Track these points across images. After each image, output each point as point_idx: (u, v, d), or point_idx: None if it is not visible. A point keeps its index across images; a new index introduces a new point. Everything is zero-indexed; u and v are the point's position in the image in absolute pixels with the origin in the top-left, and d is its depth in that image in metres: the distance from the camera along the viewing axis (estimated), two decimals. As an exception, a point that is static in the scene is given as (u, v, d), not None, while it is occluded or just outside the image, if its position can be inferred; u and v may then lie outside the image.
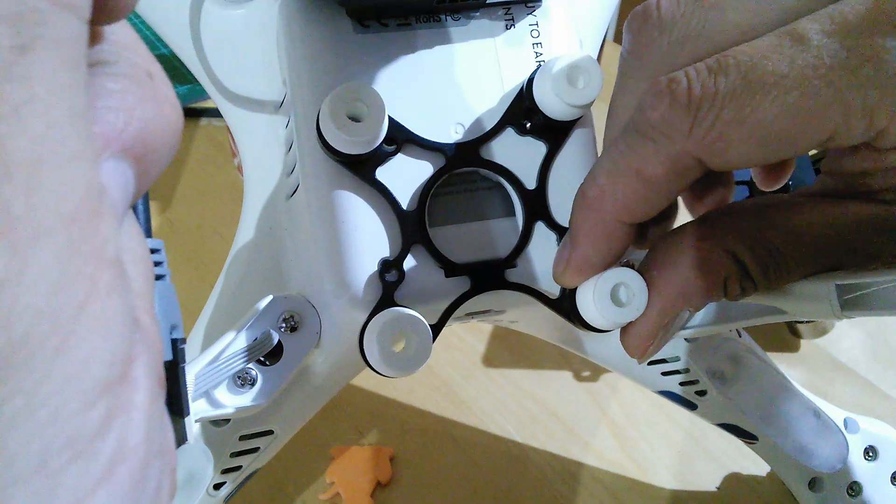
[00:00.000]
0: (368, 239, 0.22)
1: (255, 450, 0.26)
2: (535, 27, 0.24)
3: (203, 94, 0.61)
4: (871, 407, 0.41)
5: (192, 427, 0.17)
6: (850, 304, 0.20)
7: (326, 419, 0.39)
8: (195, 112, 0.59)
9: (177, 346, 0.15)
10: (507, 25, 0.24)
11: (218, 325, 0.26)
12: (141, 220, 0.15)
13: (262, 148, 0.26)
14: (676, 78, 0.18)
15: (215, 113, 0.59)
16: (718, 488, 0.37)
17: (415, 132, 0.23)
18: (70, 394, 0.08)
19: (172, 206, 0.51)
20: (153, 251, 0.15)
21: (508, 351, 0.43)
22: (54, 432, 0.08)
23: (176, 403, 0.13)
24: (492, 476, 0.37)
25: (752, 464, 0.37)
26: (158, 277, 0.15)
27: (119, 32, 0.11)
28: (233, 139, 0.50)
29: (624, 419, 0.40)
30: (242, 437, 0.26)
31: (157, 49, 0.67)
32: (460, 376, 0.41)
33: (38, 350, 0.08)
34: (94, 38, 0.11)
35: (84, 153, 0.09)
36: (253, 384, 0.23)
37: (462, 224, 0.23)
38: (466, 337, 0.43)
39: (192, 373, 0.21)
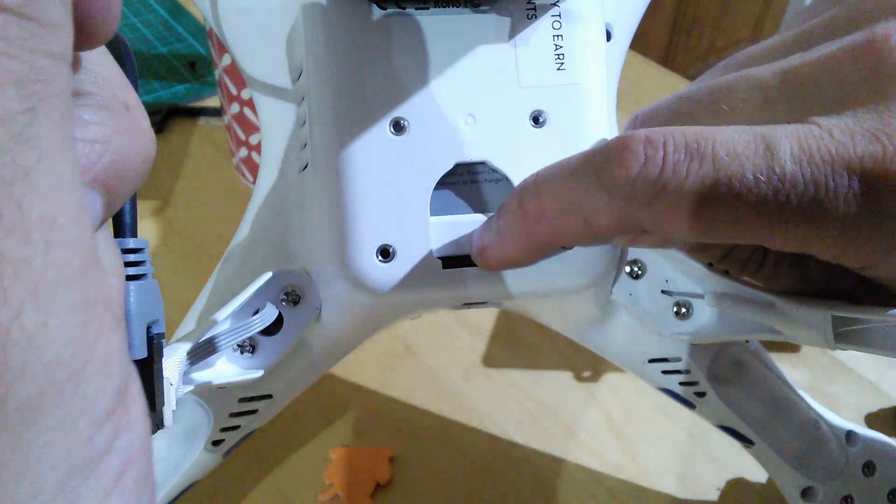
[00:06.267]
0: (373, 218, 0.22)
1: (254, 412, 0.27)
2: (557, 18, 0.23)
3: (201, 94, 0.61)
4: (872, 407, 0.41)
5: (170, 415, 0.18)
6: (844, 336, 0.20)
7: (326, 420, 0.39)
8: (193, 111, 0.59)
9: (153, 343, 0.15)
10: (528, 15, 0.23)
11: (221, 297, 0.26)
12: (127, 220, 0.15)
13: (283, 119, 0.26)
14: (655, 142, 0.18)
15: (214, 112, 0.59)
16: (720, 490, 0.37)
17: (426, 121, 0.22)
18: (84, 424, 0.09)
19: (170, 206, 0.51)
20: (136, 250, 0.15)
21: (508, 351, 0.43)
22: (73, 458, 0.09)
23: (149, 399, 0.14)
24: (491, 477, 0.37)
25: (754, 466, 0.37)
26: (140, 276, 0.15)
27: (98, 62, 0.12)
28: (232, 138, 0.49)
29: (624, 420, 0.39)
30: (242, 399, 0.26)
31: (155, 49, 0.67)
32: (460, 377, 0.41)
33: (60, 393, 0.09)
34: (73, 64, 0.11)
35: (84, 203, 0.10)
36: (252, 355, 0.24)
37: (465, 215, 0.23)
38: (466, 337, 0.43)
39: (191, 344, 0.21)
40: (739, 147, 0.18)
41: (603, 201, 0.18)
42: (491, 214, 0.23)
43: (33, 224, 0.08)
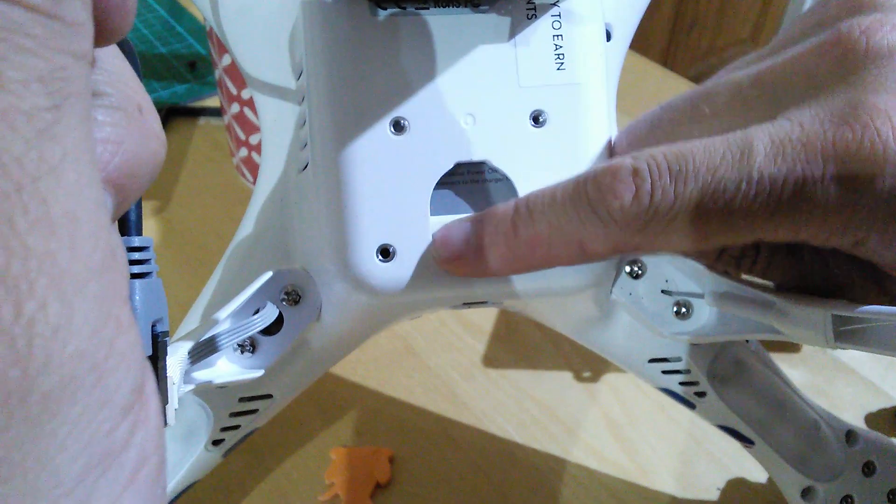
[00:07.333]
0: (373, 218, 0.22)
1: (254, 411, 0.27)
2: (557, 18, 0.23)
3: (201, 94, 0.61)
4: (872, 407, 0.41)
5: (172, 414, 0.18)
6: (844, 335, 0.20)
7: (326, 420, 0.39)
8: (194, 111, 0.59)
9: (157, 341, 0.16)
10: (528, 15, 0.23)
11: (221, 297, 0.26)
12: (132, 218, 0.15)
13: (283, 118, 0.26)
14: (641, 171, 0.19)
15: (214, 112, 0.59)
16: (720, 490, 0.37)
17: (426, 120, 0.22)
18: (103, 418, 0.10)
19: (171, 206, 0.51)
20: (141, 248, 0.15)
21: (508, 351, 0.43)
22: (91, 452, 0.09)
23: None
24: (491, 477, 0.37)
25: (754, 466, 0.37)
26: (144, 275, 0.15)
27: (112, 63, 0.12)
28: (232, 138, 0.49)
29: (624, 420, 0.39)
30: (242, 399, 0.26)
31: (155, 49, 0.67)
32: (460, 377, 0.41)
33: (81, 386, 0.09)
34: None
35: (102, 200, 0.10)
36: (252, 354, 0.24)
37: (465, 215, 0.23)
38: (466, 337, 0.43)
39: (193, 343, 0.21)
40: (717, 159, 0.18)
41: (599, 230, 0.19)
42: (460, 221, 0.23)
43: (58, 219, 0.09)
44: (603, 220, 0.19)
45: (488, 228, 0.21)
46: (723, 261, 0.23)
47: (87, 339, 0.09)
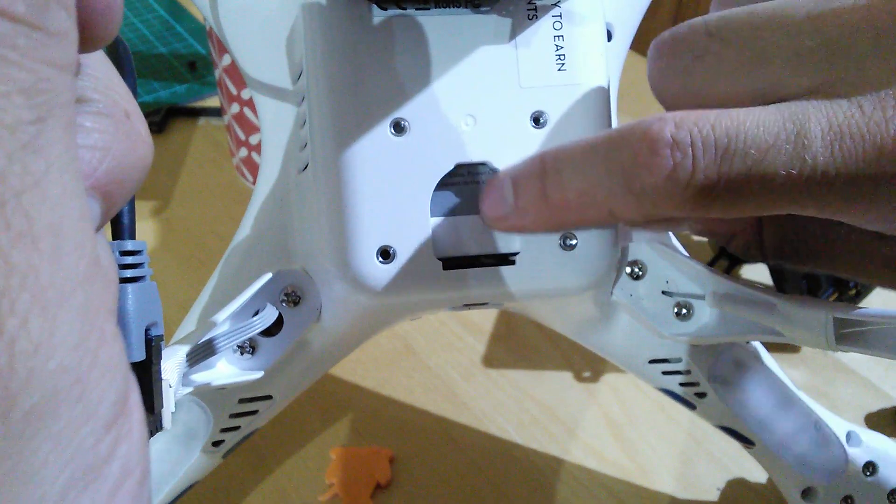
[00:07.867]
0: (373, 219, 0.22)
1: (254, 412, 0.27)
2: (558, 19, 0.23)
3: (201, 94, 0.61)
4: (872, 407, 0.41)
5: (168, 417, 0.18)
6: (845, 338, 0.20)
7: (326, 420, 0.39)
8: (194, 111, 0.59)
9: (151, 345, 0.15)
10: (529, 16, 0.23)
11: (221, 298, 0.26)
12: (125, 221, 0.15)
13: (283, 119, 0.26)
14: (682, 144, 0.17)
15: (214, 112, 0.58)
16: (720, 490, 0.37)
17: (426, 121, 0.22)
18: (87, 432, 0.09)
19: (171, 206, 0.51)
20: (134, 252, 0.15)
21: (508, 351, 0.43)
22: (74, 466, 0.09)
23: (148, 401, 0.14)
24: (492, 477, 0.37)
25: (754, 466, 0.37)
26: (138, 279, 0.15)
27: (98, 68, 0.12)
28: (232, 138, 0.49)
29: (625, 420, 0.39)
30: (242, 400, 0.26)
31: (155, 49, 0.67)
32: (460, 377, 0.41)
33: (64, 401, 0.09)
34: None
35: (86, 210, 0.10)
36: (252, 356, 0.24)
37: (464, 216, 0.23)
38: (466, 337, 0.43)
39: (191, 346, 0.21)
40: (770, 139, 0.17)
41: (631, 202, 0.18)
42: (494, 178, 0.22)
43: (41, 232, 0.08)
44: (636, 194, 0.18)
45: (521, 191, 0.21)
46: (732, 247, 0.23)
47: (71, 353, 0.09)
